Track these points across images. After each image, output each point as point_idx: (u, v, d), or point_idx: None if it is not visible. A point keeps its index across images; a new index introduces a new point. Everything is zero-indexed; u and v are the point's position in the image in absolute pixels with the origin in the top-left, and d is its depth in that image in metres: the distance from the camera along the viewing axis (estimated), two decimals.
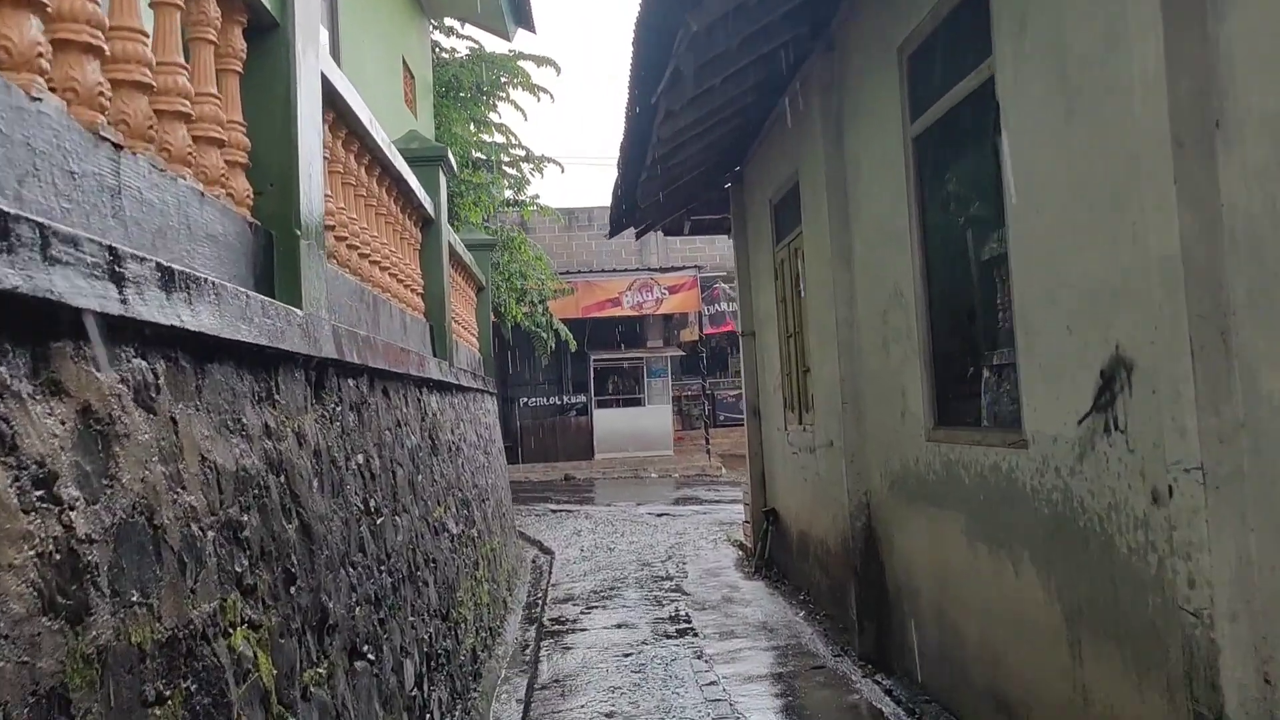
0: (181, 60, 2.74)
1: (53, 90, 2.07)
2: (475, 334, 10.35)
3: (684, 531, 12.52)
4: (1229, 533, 2.60)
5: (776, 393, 9.01)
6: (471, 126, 16.61)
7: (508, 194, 17.79)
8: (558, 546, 11.74)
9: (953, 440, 4.76)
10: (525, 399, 24.80)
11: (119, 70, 2.38)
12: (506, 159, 17.52)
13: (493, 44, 17.12)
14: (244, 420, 2.76)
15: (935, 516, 5.03)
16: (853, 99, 6.08)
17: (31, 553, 1.63)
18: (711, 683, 5.93)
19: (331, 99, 4.24)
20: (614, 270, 24.37)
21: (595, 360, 24.14)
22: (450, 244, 7.92)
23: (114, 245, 2.02)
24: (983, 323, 4.67)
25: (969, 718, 4.68)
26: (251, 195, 3.28)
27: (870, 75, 5.68)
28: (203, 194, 2.79)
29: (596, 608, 8.36)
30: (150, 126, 2.50)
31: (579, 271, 23.63)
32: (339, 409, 3.83)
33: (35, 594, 1.62)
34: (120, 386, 2.05)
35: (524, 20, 15.67)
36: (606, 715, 5.49)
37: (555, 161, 18.16)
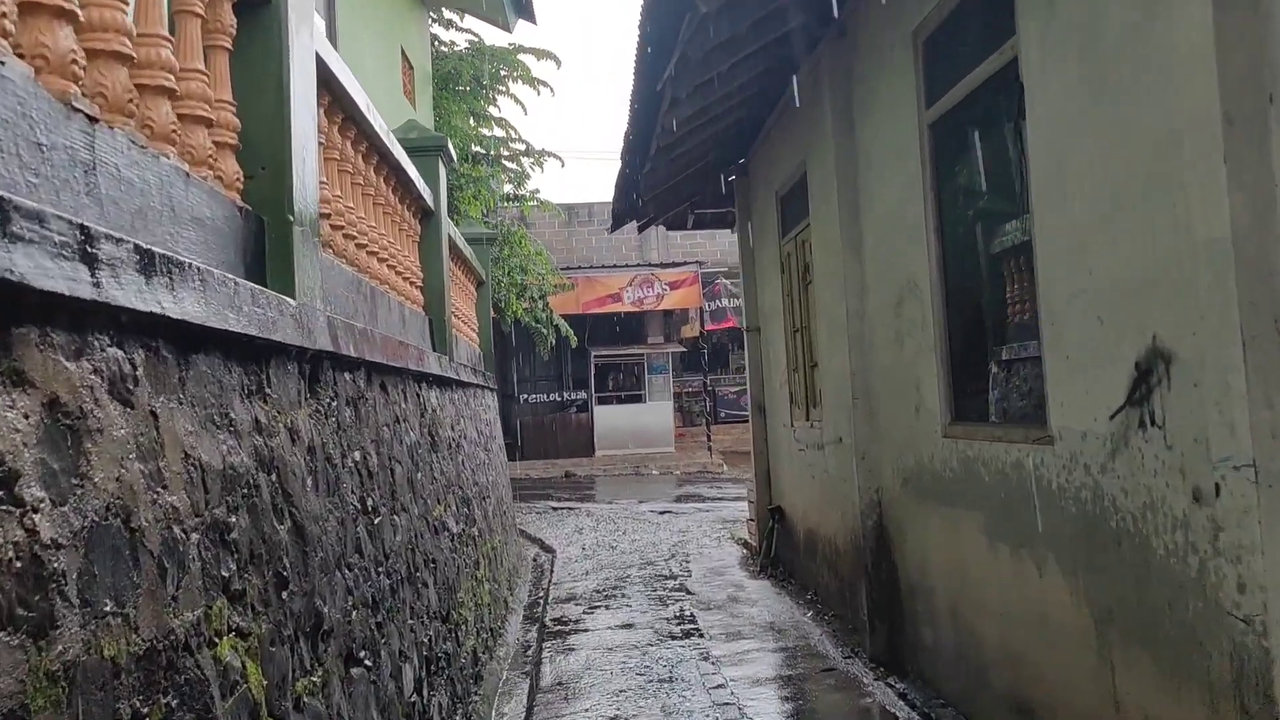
0: (166, 33, 2.58)
1: (20, 57, 1.91)
2: (475, 329, 10.18)
3: (687, 529, 12.36)
4: None
5: (782, 388, 8.85)
6: (471, 120, 16.43)
7: (507, 189, 17.62)
8: (559, 545, 11.58)
9: (971, 436, 4.60)
10: (526, 395, 24.64)
11: (96, 39, 2.21)
12: (506, 153, 17.35)
13: (492, 37, 16.98)
14: (232, 415, 2.59)
15: (952, 515, 4.87)
16: (865, 86, 5.91)
17: None
18: (719, 685, 5.77)
19: (327, 82, 4.07)
20: (615, 266, 24.21)
21: (596, 356, 23.97)
22: (450, 236, 7.75)
23: (86, 224, 1.85)
24: (1003, 315, 4.51)
25: None
26: (242, 179, 3.12)
27: (884, 61, 5.51)
28: (188, 174, 2.62)
29: (599, 607, 8.20)
30: (130, 100, 2.33)
31: (579, 267, 23.46)
32: (334, 404, 3.67)
33: None
34: (93, 378, 1.88)
35: (524, 11, 15.49)
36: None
37: (555, 156, 17.97)
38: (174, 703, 2.00)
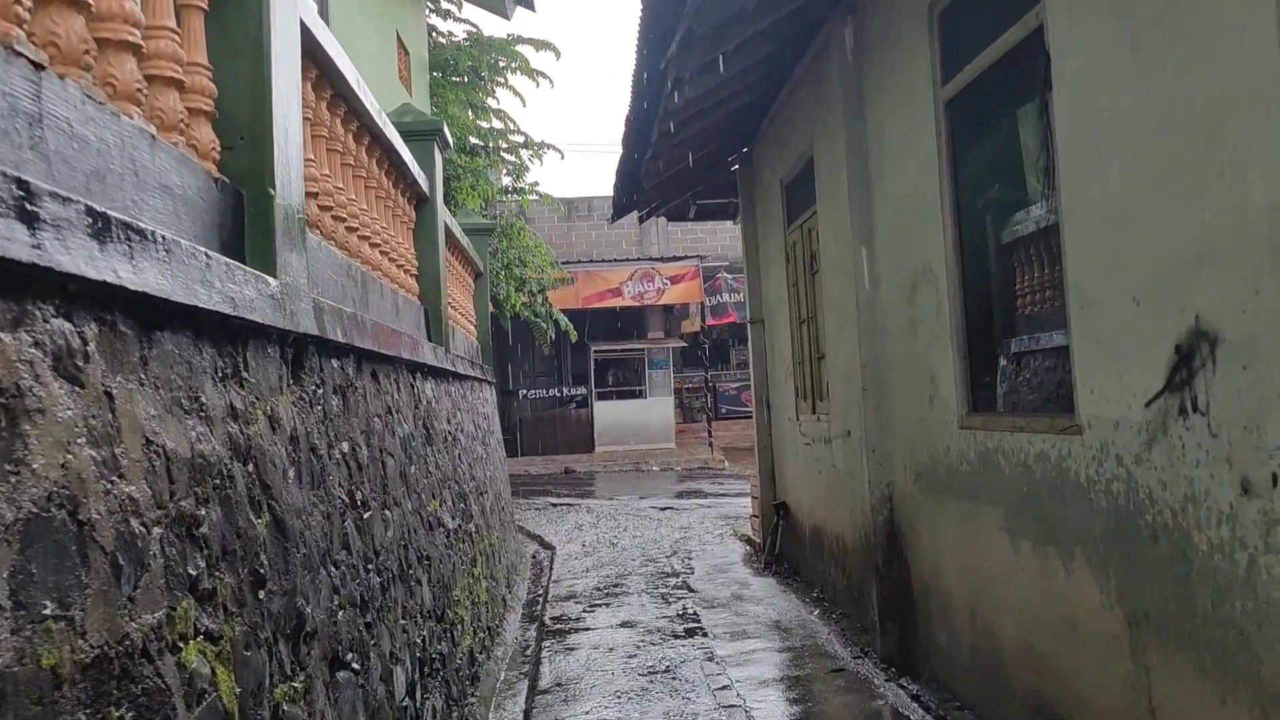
0: None
1: None
2: (473, 321, 9.97)
3: (689, 526, 12.16)
4: None
5: (787, 381, 8.63)
6: (470, 113, 16.19)
7: (506, 181, 17.39)
8: (559, 541, 11.38)
9: (990, 427, 4.39)
10: (525, 391, 24.42)
11: None
12: (505, 145, 17.11)
13: (491, 27, 16.73)
14: (203, 399, 2.38)
15: (969, 510, 4.66)
16: (877, 64, 5.69)
17: None
18: (724, 687, 5.57)
19: (313, 53, 3.86)
20: (614, 260, 23.99)
21: (595, 351, 23.75)
22: (446, 225, 7.54)
23: (26, 179, 1.64)
24: (1025, 299, 4.30)
25: None
26: (218, 148, 2.91)
27: (897, 38, 5.30)
28: (154, 138, 2.41)
29: (600, 605, 8.00)
30: (87, 53, 2.12)
31: (579, 261, 23.23)
32: (320, 391, 3.46)
33: None
34: (33, 351, 1.67)
35: None
36: None
37: (555, 148, 17.72)
38: (128, 715, 1.79)
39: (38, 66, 1.87)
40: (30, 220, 1.63)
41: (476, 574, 6.57)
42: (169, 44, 2.59)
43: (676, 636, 6.78)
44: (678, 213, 11.48)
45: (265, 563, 2.62)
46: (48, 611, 1.58)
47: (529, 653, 6.57)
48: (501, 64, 16.68)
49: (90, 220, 1.83)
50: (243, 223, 3.01)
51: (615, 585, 8.81)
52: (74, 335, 1.81)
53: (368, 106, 4.74)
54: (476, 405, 8.60)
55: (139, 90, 2.38)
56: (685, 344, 24.65)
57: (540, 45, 16.85)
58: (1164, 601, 3.09)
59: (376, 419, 4.33)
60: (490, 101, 16.91)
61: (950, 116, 4.76)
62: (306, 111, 3.92)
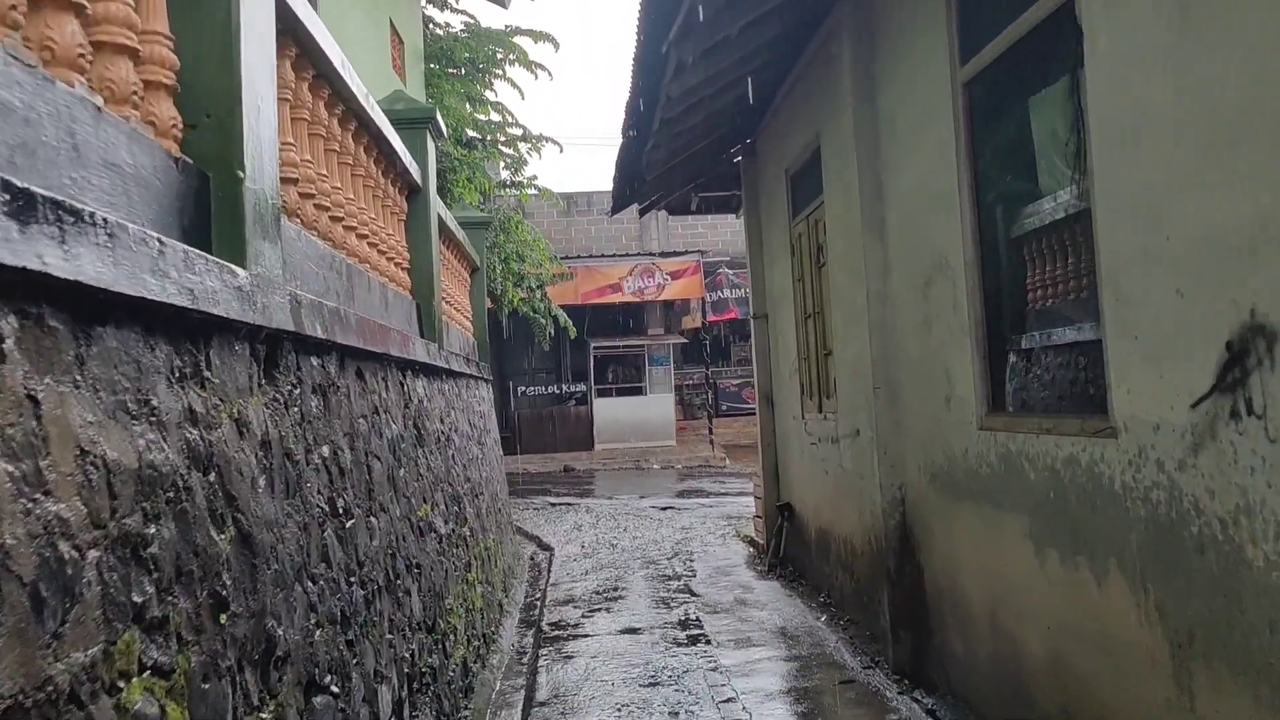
0: None
1: None
2: (469, 317, 9.72)
3: (690, 526, 11.91)
4: None
5: (792, 378, 8.38)
6: (467, 106, 15.92)
7: (504, 175, 17.13)
8: (557, 542, 11.13)
9: (1013, 429, 4.14)
10: (523, 388, 24.18)
11: None
12: (503, 138, 16.84)
13: (489, 18, 16.46)
14: (154, 402, 2.13)
15: (989, 515, 4.41)
16: (889, 46, 5.43)
17: None
18: (729, 699, 5.32)
19: (292, 28, 3.61)
20: (614, 255, 23.73)
21: (595, 348, 23.49)
22: (440, 217, 7.28)
23: None
24: (1049, 292, 4.04)
25: None
26: (180, 126, 2.66)
27: (911, 16, 5.04)
28: (100, 110, 2.16)
29: (600, 610, 7.75)
30: (14, 8, 1.87)
31: (578, 256, 22.96)
32: (297, 392, 3.21)
33: None
34: None
35: None
36: None
37: (554, 141, 17.46)
38: None
39: None
40: None
41: (471, 579, 6.32)
42: (121, 8, 2.34)
43: (679, 644, 6.54)
44: (679, 206, 11.21)
45: (228, 583, 2.37)
46: None
47: (526, 660, 6.32)
48: (499, 56, 16.41)
49: (7, 197, 1.58)
50: (209, 208, 2.76)
51: (615, 588, 8.56)
52: None
53: (354, 90, 4.49)
54: (472, 403, 8.35)
55: (82, 56, 2.12)
56: (686, 340, 24.39)
57: (539, 36, 16.58)
58: (1212, 621, 2.84)
59: (362, 420, 4.08)
60: (488, 94, 16.64)
61: (969, 98, 4.50)
62: (285, 92, 3.68)
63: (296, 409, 3.18)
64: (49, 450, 1.69)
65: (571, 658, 6.39)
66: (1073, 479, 3.62)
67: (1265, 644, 2.61)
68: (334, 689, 3.08)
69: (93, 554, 1.78)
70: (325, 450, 3.44)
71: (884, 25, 5.48)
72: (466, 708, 5.24)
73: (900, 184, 5.42)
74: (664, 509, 13.64)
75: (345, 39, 7.99)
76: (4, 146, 1.76)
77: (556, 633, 7.10)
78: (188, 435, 2.28)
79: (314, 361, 3.47)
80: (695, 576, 8.87)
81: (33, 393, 1.67)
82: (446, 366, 6.72)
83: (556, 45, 16.81)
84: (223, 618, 2.32)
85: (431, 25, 16.05)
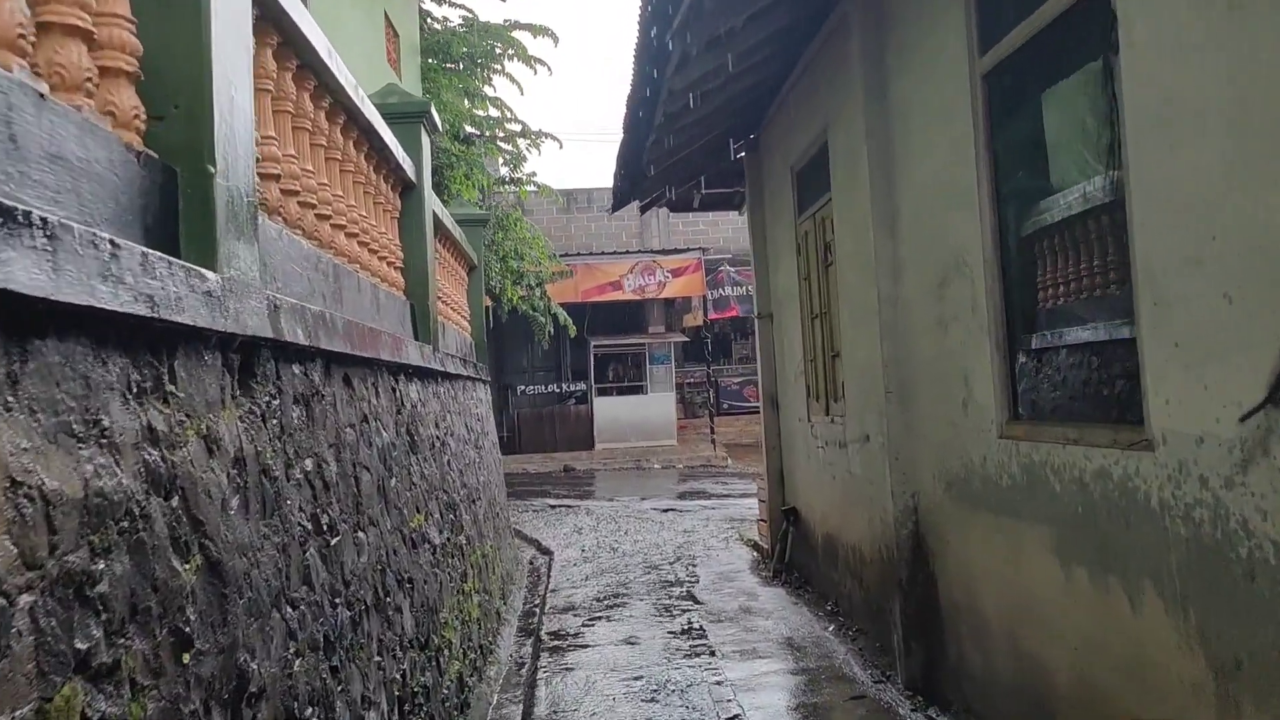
0: None
1: None
2: (466, 316, 9.50)
3: (692, 529, 11.69)
4: None
5: (798, 380, 8.17)
6: (465, 101, 15.70)
7: (503, 171, 16.91)
8: (557, 546, 10.92)
9: (1036, 438, 3.93)
10: (522, 387, 23.96)
11: None
12: (502, 134, 16.63)
13: (487, 12, 16.24)
14: (106, 422, 1.92)
15: (1009, 527, 4.20)
16: (901, 36, 5.21)
17: None
18: (735, 716, 5.11)
19: (274, 15, 3.39)
20: (615, 253, 23.51)
21: (595, 346, 23.27)
22: (436, 214, 7.06)
23: None
24: (1077, 290, 3.82)
25: None
26: (143, 117, 2.44)
27: (927, 6, 4.82)
28: (43, 97, 1.94)
29: (600, 618, 7.54)
30: None
31: (578, 254, 22.75)
32: (276, 403, 2.99)
33: None
34: None
35: None
36: None
37: (553, 137, 17.24)
38: None
39: None
40: None
41: (467, 590, 6.11)
42: None
43: (682, 655, 6.33)
44: (681, 203, 11.00)
45: (193, 617, 2.16)
46: None
47: (524, 672, 6.12)
48: (498, 51, 16.19)
49: None
50: (176, 207, 2.55)
51: (616, 595, 8.35)
52: None
53: (342, 81, 4.27)
54: (469, 406, 8.13)
55: (23, 38, 1.91)
56: (687, 338, 24.18)
57: (538, 31, 16.36)
58: (1263, 651, 2.63)
59: (349, 429, 3.86)
60: (486, 89, 16.43)
61: (988, 90, 4.29)
62: (265, 83, 3.46)
63: (275, 421, 2.97)
64: None
65: (571, 669, 6.19)
66: (1104, 493, 3.40)
67: None
68: None
69: (25, 599, 1.57)
70: (308, 464, 3.23)
71: (896, 15, 5.26)
72: None
73: (913, 180, 5.20)
74: (665, 511, 13.43)
75: (337, 31, 7.79)
76: None
77: (556, 642, 6.89)
78: (146, 456, 2.07)
79: (296, 370, 3.25)
80: (698, 582, 8.66)
81: None
82: (442, 369, 6.51)
83: (556, 40, 16.59)
84: (185, 657, 2.11)
85: (429, 19, 15.83)
